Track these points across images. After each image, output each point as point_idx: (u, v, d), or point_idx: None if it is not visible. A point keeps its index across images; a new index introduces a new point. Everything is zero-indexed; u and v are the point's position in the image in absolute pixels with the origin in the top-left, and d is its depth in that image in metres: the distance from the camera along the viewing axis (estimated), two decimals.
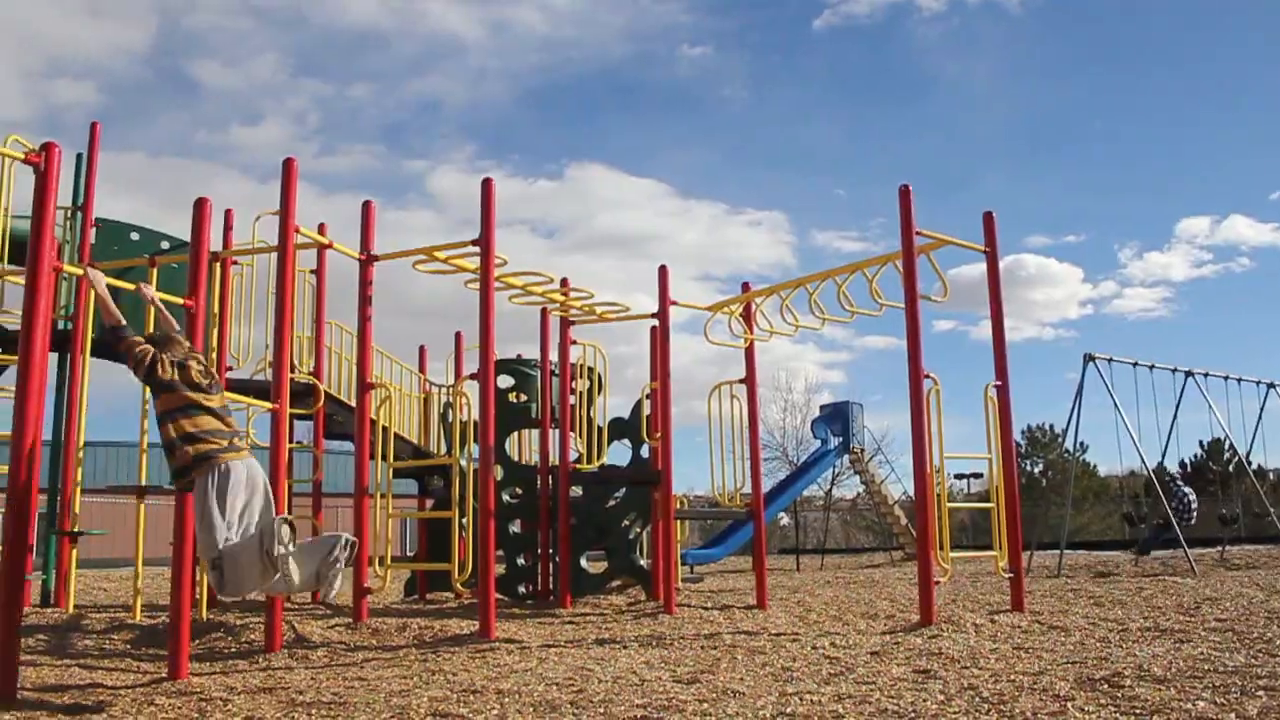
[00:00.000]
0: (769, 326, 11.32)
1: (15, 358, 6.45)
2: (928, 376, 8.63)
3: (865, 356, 71.97)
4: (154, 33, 76.55)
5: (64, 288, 11.07)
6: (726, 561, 21.64)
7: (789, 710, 4.67)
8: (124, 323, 5.62)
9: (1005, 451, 9.26)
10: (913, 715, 4.47)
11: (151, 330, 5.91)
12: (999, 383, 9.33)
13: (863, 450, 23.98)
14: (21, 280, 7.04)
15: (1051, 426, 48.51)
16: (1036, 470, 48.02)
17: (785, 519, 32.16)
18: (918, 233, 8.75)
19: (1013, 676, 5.40)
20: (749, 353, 11.33)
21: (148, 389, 5.73)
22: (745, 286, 11.25)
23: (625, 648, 7.25)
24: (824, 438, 23.40)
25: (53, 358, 10.92)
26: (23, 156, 6.14)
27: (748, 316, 11.22)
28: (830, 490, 32.34)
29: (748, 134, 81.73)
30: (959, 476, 28.92)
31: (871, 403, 68.12)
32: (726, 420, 11.37)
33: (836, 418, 23.61)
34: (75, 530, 9.99)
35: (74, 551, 10.26)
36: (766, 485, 14.87)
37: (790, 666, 6.09)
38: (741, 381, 11.38)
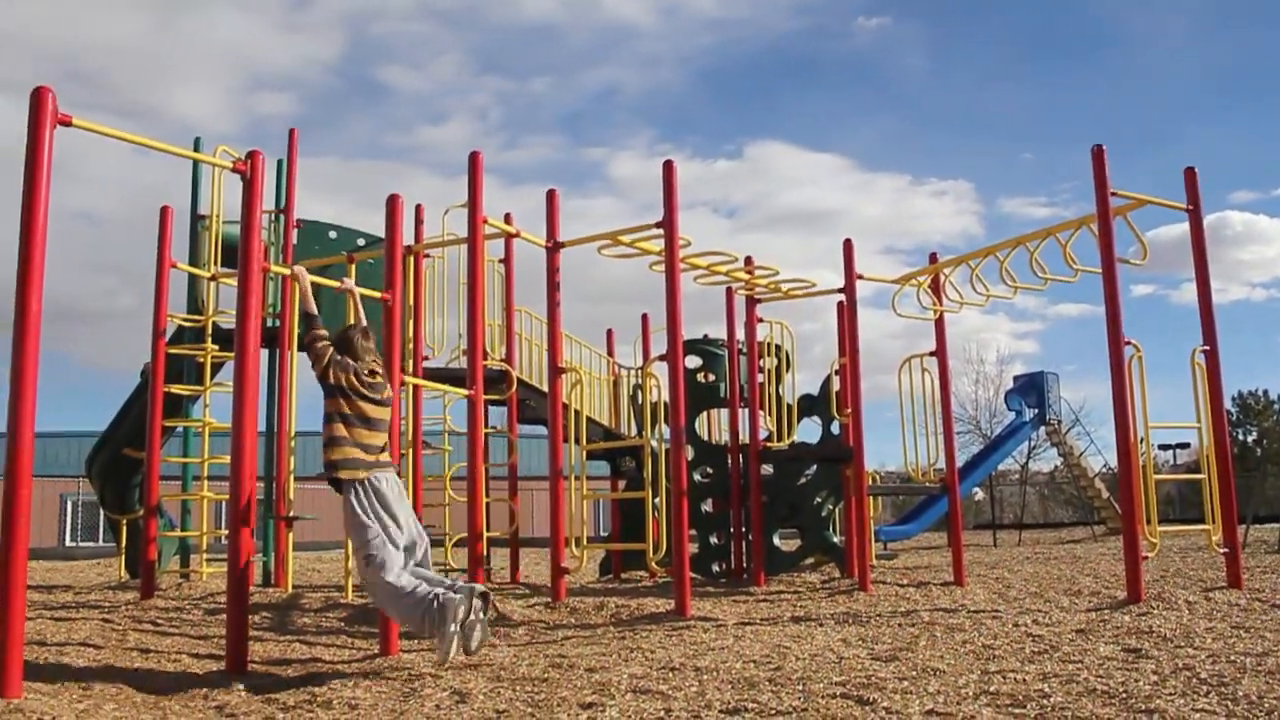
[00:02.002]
0: (958, 297, 11.04)
1: (231, 354, 6.86)
2: (1129, 343, 8.29)
3: (1059, 325, 69.66)
4: (344, 43, 79.95)
5: (271, 287, 11.64)
6: (920, 538, 21.29)
7: (992, 689, 4.58)
8: (316, 314, 6.03)
9: (1216, 420, 8.81)
10: (1124, 696, 4.32)
11: (345, 328, 6.24)
12: (1206, 347, 8.88)
13: (1060, 422, 23.21)
14: (234, 282, 7.47)
15: (1266, 392, 45.85)
16: (1249, 439, 45.53)
17: (980, 494, 31.40)
18: (1113, 193, 8.39)
19: (1233, 657, 5.16)
20: (938, 325, 11.09)
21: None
22: (933, 257, 11.01)
23: (821, 625, 7.23)
24: (1018, 410, 22.75)
25: (263, 353, 11.52)
26: (231, 166, 6.51)
27: (936, 288, 10.97)
28: (1026, 464, 31.39)
29: (930, 103, 80.00)
30: (1163, 447, 27.68)
31: (1067, 373, 65.90)
32: (917, 394, 11.19)
33: (1031, 389, 22.91)
34: (290, 515, 10.52)
35: (290, 535, 10.80)
36: (960, 459, 14.55)
37: (991, 644, 5.96)
38: (931, 354, 11.15)
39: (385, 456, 5.93)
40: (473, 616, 5.48)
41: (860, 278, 10.49)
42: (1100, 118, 73.82)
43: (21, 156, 5.36)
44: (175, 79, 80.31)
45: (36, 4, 72.86)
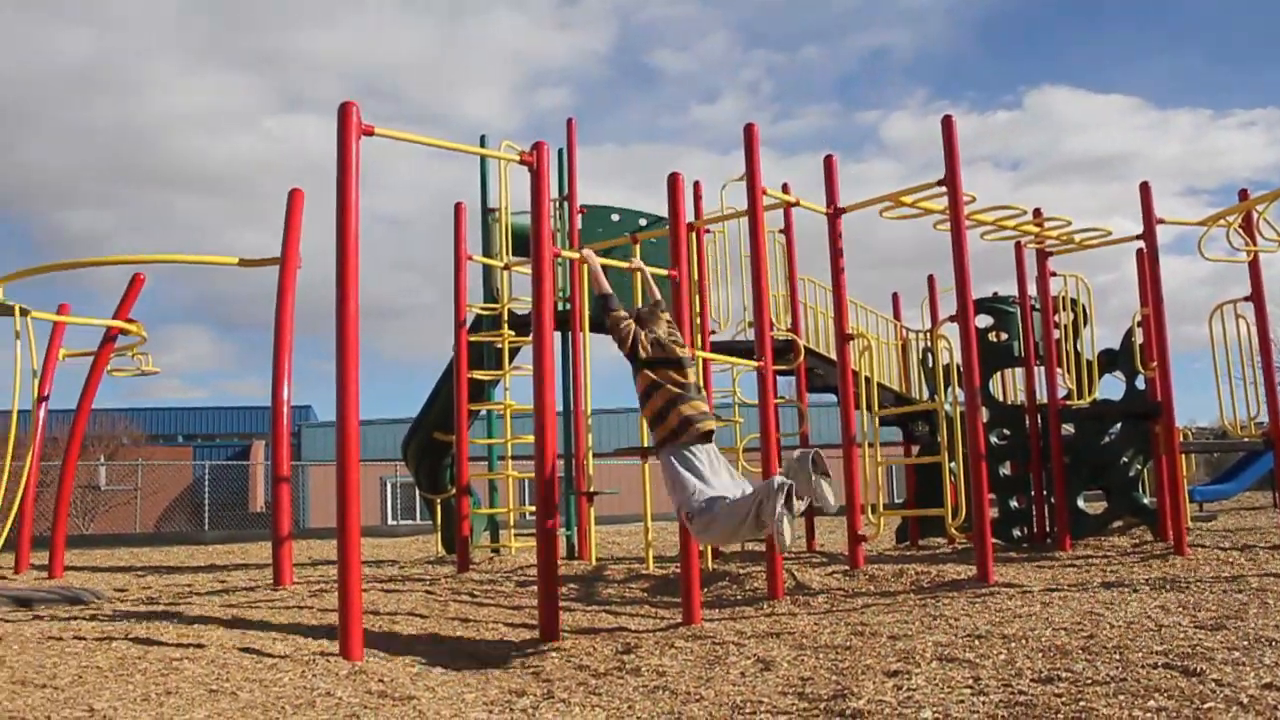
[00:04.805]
0: (1276, 235, 10.21)
1: (528, 339, 7.19)
2: None
3: None
4: (614, 33, 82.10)
5: (560, 272, 12.06)
6: (1241, 498, 19.84)
7: None
8: (611, 293, 6.10)
9: None
10: None
11: (639, 304, 6.40)
12: None
13: None
14: (526, 269, 7.80)
15: None
16: None
17: None
18: None
19: None
20: (1253, 266, 10.31)
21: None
22: (1243, 194, 10.22)
23: (1135, 591, 6.88)
24: None
25: (557, 336, 11.97)
26: (517, 159, 6.80)
27: (1248, 227, 10.18)
28: None
29: (1229, 28, 74.12)
30: None
31: None
32: (1231, 343, 10.49)
33: None
34: (591, 490, 10.91)
35: (591, 510, 11.20)
36: None
37: None
38: (1246, 299, 10.40)
39: (708, 417, 5.83)
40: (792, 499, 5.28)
41: (1160, 222, 9.89)
42: None
43: (334, 167, 5.80)
44: (460, 84, 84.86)
45: (338, 32, 78.81)
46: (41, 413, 11.90)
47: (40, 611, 7.08)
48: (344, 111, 5.83)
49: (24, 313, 10.52)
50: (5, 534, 10.34)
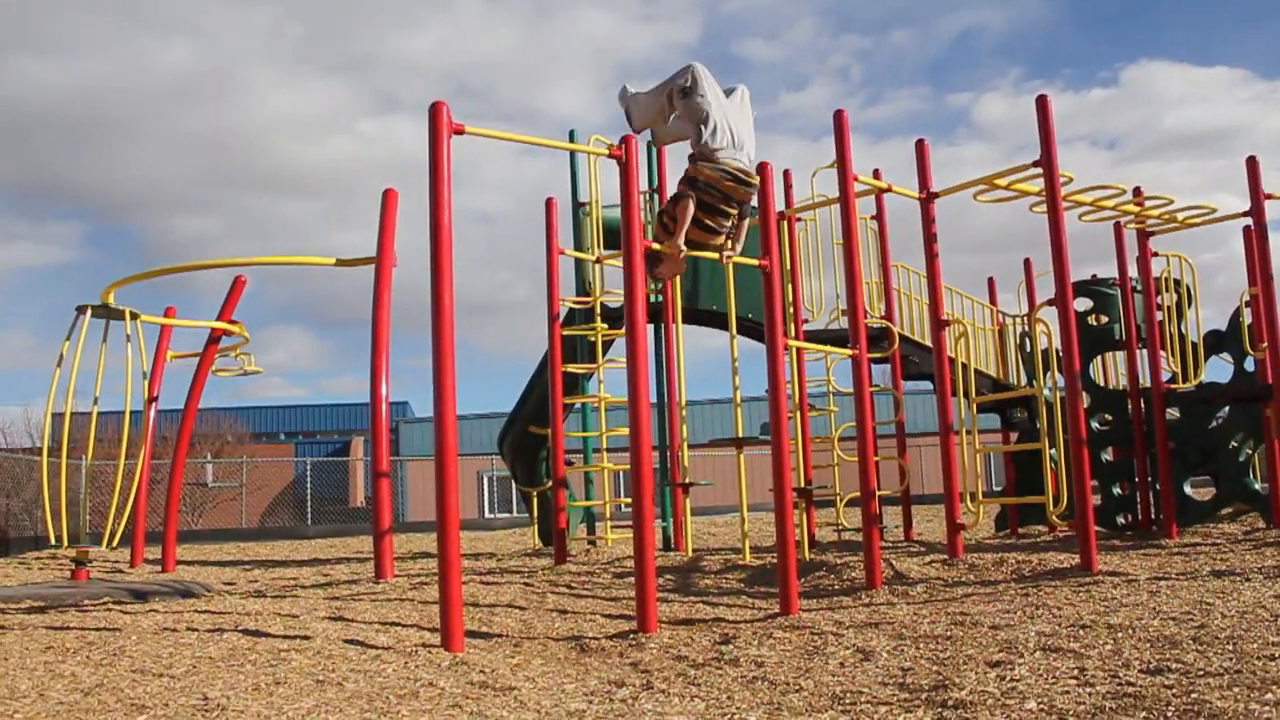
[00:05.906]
0: None
1: (621, 331, 7.23)
2: None
3: None
4: (700, 24, 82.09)
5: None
6: None
7: None
8: None
9: None
10: None
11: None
12: None
13: None
14: (618, 262, 7.84)
15: None
16: None
17: None
18: None
19: None
20: None
21: None
22: None
23: (1248, 580, 6.68)
24: None
25: (650, 328, 11.98)
26: (607, 152, 6.83)
27: None
28: None
29: None
30: None
31: None
32: None
33: None
34: (686, 482, 10.92)
35: (686, 501, 11.21)
36: None
37: None
38: None
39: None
40: None
41: (1269, 197, 9.61)
42: None
43: (426, 166, 5.88)
44: (548, 81, 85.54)
45: (428, 33, 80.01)
46: (152, 413, 12.28)
47: (155, 604, 7.31)
48: (434, 111, 5.90)
49: (134, 316, 10.86)
50: (121, 530, 10.69)
